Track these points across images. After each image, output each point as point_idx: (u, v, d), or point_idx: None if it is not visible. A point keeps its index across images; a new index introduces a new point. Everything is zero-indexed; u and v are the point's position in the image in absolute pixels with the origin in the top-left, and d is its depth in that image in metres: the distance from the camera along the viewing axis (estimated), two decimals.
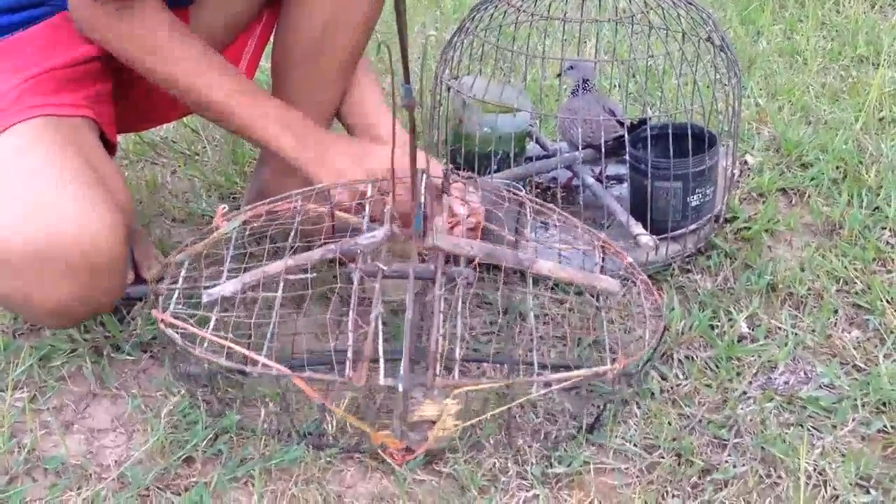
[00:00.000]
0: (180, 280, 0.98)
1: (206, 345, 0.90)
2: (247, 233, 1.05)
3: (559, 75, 1.35)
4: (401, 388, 0.87)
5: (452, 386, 0.88)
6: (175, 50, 1.04)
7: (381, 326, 0.90)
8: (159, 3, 1.03)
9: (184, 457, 0.95)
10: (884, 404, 1.01)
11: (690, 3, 1.23)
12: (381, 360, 0.87)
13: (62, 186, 0.94)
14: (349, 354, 0.87)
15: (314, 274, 0.98)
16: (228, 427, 0.98)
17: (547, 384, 0.92)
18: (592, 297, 1.11)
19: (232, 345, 0.88)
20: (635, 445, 0.96)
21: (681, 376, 1.06)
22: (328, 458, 0.95)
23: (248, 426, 0.98)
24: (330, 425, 0.99)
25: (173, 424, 0.99)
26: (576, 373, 0.91)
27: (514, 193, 1.07)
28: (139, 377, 1.08)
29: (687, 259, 1.24)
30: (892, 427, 0.98)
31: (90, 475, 0.94)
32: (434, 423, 0.91)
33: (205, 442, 0.96)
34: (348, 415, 0.94)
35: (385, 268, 0.95)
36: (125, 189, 1.03)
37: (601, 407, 0.98)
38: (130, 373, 1.08)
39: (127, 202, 1.02)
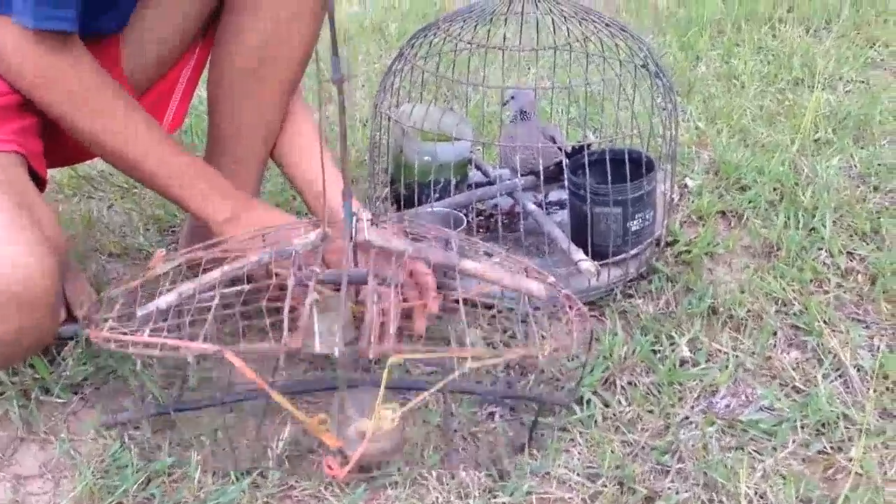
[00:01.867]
0: (115, 311, 0.96)
1: (139, 347, 0.88)
2: (184, 267, 1.03)
3: (505, 103, 1.35)
4: (337, 354, 0.87)
5: (387, 351, 0.87)
6: (100, 98, 1.02)
7: (315, 309, 0.90)
8: (90, 54, 1.02)
9: (114, 503, 0.92)
10: (823, 425, 1.02)
11: (625, 31, 1.24)
12: (317, 331, 0.87)
13: None
14: (284, 316, 0.87)
15: (249, 285, 0.97)
16: (161, 470, 0.94)
17: (478, 358, 0.91)
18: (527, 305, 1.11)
19: (166, 340, 0.87)
20: (578, 474, 0.96)
21: (623, 402, 1.06)
22: (265, 500, 0.93)
23: (181, 464, 0.95)
24: (269, 458, 0.97)
25: (103, 469, 0.95)
26: (509, 350, 0.92)
27: (441, 231, 1.08)
28: (69, 420, 1.04)
29: (629, 284, 1.25)
30: (831, 448, 0.99)
31: None
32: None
33: (136, 486, 0.93)
34: (285, 400, 0.92)
35: (319, 270, 0.95)
36: (56, 226, 1.00)
37: (536, 409, 0.97)
38: (60, 416, 1.05)
39: (59, 240, 0.99)
